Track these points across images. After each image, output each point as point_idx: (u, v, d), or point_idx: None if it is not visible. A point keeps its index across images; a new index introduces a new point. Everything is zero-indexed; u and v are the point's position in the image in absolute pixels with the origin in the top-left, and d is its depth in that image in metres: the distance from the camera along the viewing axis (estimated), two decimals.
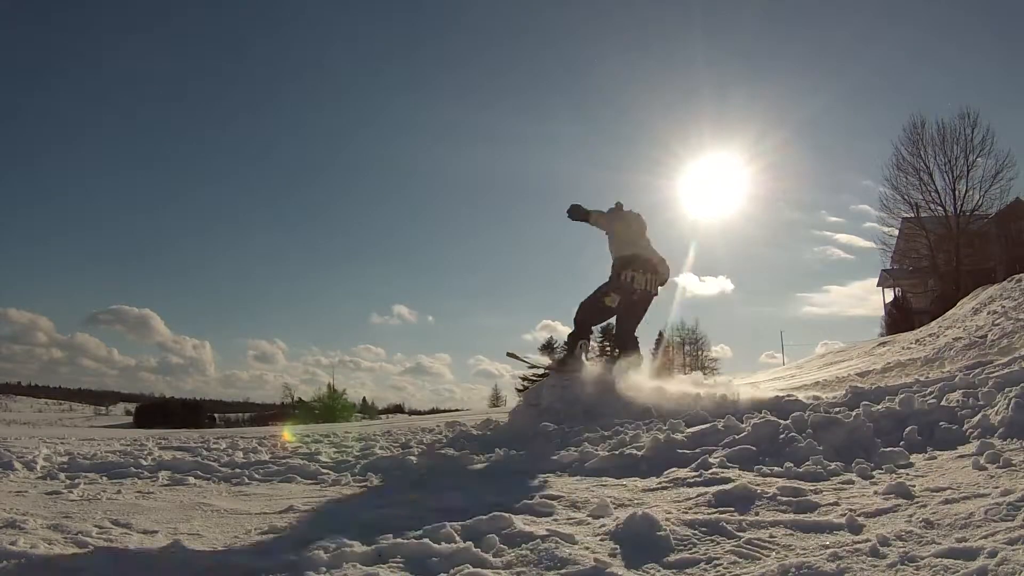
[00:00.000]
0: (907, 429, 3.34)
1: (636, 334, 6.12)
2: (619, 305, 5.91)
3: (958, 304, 13.60)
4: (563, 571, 1.62)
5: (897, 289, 24.88)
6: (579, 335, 6.09)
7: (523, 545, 1.80)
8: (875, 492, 2.30)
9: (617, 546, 1.81)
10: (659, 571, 1.64)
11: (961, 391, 4.03)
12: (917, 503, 2.10)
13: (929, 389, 4.45)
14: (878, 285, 25.95)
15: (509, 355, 8.15)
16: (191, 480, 3.48)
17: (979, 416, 3.30)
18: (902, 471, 2.67)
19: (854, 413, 3.64)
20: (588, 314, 6.11)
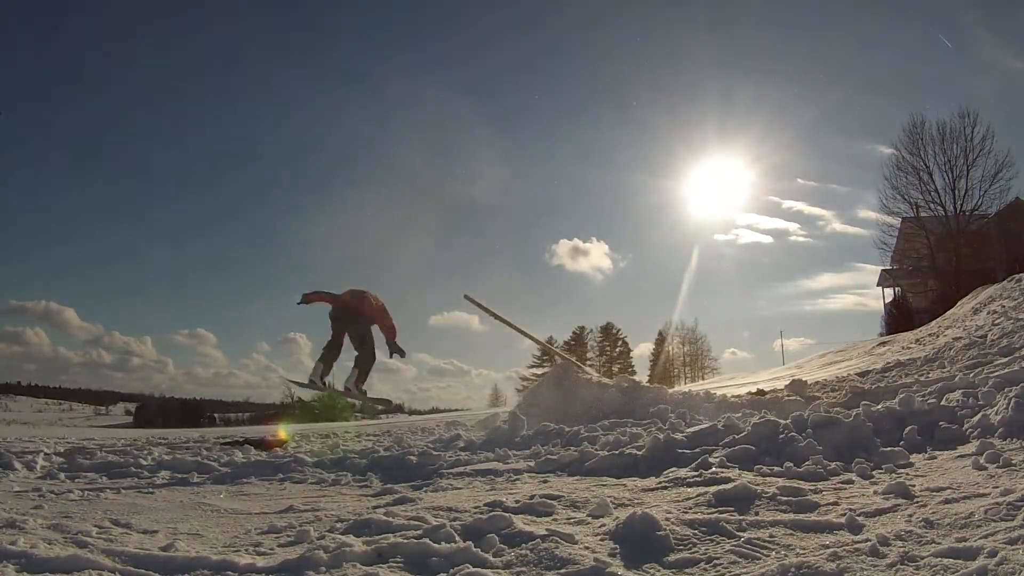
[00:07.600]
0: (907, 429, 3.34)
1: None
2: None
3: (958, 304, 13.60)
4: (563, 571, 1.62)
5: (897, 289, 24.87)
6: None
7: (523, 545, 1.79)
8: (875, 492, 2.30)
9: (617, 546, 1.81)
10: (659, 571, 1.64)
11: (961, 391, 4.03)
12: (917, 503, 2.10)
13: (929, 389, 4.45)
14: (878, 285, 25.95)
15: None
16: (191, 480, 3.48)
17: (979, 416, 3.30)
18: (902, 471, 2.67)
19: (854, 413, 3.64)
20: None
